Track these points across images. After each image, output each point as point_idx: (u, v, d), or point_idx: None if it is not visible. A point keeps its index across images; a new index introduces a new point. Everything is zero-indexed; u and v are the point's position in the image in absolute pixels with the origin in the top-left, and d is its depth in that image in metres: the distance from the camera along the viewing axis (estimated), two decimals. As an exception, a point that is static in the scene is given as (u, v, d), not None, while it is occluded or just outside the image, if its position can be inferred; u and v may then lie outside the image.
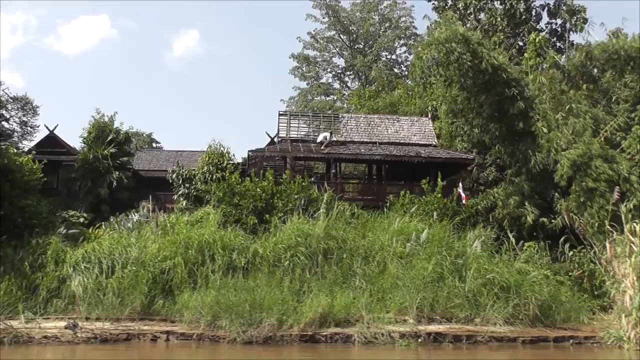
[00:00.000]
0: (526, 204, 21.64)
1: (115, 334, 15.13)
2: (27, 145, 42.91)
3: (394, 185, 27.16)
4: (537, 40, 24.48)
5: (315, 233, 18.05)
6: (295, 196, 20.20)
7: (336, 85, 62.03)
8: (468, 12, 35.60)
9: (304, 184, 21.02)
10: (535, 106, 21.79)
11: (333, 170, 27.32)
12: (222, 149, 28.28)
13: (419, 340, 15.11)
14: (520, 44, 34.33)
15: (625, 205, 17.53)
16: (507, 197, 22.17)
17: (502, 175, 25.33)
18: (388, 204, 22.12)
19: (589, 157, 19.25)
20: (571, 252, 19.72)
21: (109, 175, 33.81)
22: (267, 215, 19.76)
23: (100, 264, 17.19)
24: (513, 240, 19.69)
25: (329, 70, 62.04)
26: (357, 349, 14.79)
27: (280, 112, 28.15)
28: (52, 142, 41.13)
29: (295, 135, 27.72)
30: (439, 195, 21.72)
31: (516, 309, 16.44)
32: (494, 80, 22.05)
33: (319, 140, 26.55)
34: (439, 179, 22.36)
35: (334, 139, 26.78)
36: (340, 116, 29.97)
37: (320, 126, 27.97)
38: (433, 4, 37.29)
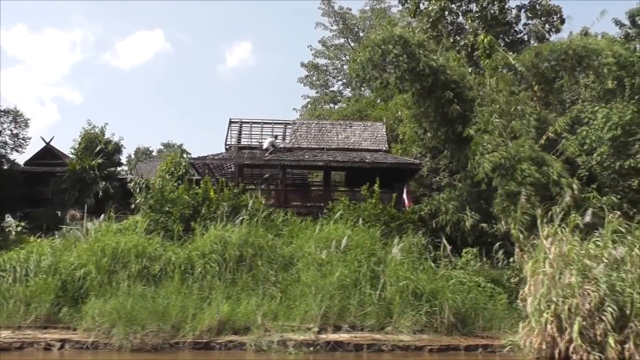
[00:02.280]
0: (467, 208, 21.17)
1: (9, 342, 15.00)
2: (18, 156, 43.53)
3: (342, 192, 26.64)
4: (484, 41, 23.92)
5: (232, 240, 17.82)
6: (224, 203, 19.97)
7: (347, 93, 61.49)
8: (444, 14, 34.88)
9: (235, 191, 20.80)
10: (475, 109, 21.25)
11: (266, 175, 27.07)
12: (179, 157, 28.38)
13: (312, 348, 14.76)
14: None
15: (555, 209, 16.92)
16: (448, 201, 21.70)
17: (454, 180, 24.78)
18: (325, 211, 21.76)
19: (517, 159, 18.60)
20: (511, 258, 19.27)
21: (95, 185, 34.43)
22: (193, 223, 19.60)
23: (15, 272, 17.21)
24: (447, 246, 19.31)
25: (339, 78, 61.61)
26: (247, 357, 14.52)
27: (231, 120, 28.04)
28: (48, 153, 42.06)
29: (248, 143, 27.51)
30: (374, 201, 21.25)
31: (432, 317, 16.03)
32: (437, 82, 21.64)
33: (264, 147, 26.29)
34: (375, 185, 21.90)
35: (281, 145, 26.51)
36: (292, 122, 29.68)
37: (272, 133, 27.76)
38: (407, 8, 36.81)
